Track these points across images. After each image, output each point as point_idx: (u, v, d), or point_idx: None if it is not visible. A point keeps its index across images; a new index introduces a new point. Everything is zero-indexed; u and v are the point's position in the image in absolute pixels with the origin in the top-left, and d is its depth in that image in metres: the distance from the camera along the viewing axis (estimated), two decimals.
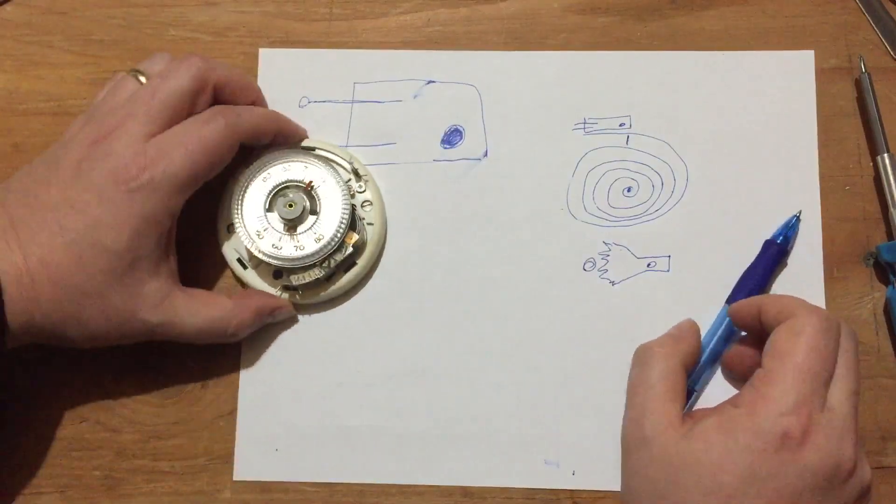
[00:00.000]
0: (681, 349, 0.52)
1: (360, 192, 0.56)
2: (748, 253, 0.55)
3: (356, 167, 0.56)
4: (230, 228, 0.56)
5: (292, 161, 0.55)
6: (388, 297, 0.56)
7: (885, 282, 0.55)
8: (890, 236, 0.55)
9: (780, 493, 0.44)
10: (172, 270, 0.52)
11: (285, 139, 0.56)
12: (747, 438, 0.45)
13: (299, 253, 0.53)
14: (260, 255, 0.53)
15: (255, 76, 0.59)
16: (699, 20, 0.59)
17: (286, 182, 0.54)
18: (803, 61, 0.58)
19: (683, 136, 0.57)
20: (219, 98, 0.53)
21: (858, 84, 0.57)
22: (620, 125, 0.58)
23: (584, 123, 0.58)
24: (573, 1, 0.60)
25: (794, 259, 0.55)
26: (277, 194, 0.54)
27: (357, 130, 0.58)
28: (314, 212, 0.54)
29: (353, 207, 0.55)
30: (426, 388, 0.55)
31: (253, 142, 0.54)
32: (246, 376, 0.55)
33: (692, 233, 0.56)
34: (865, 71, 0.57)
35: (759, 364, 0.48)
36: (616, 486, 0.53)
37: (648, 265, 0.56)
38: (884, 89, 0.57)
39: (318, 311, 0.56)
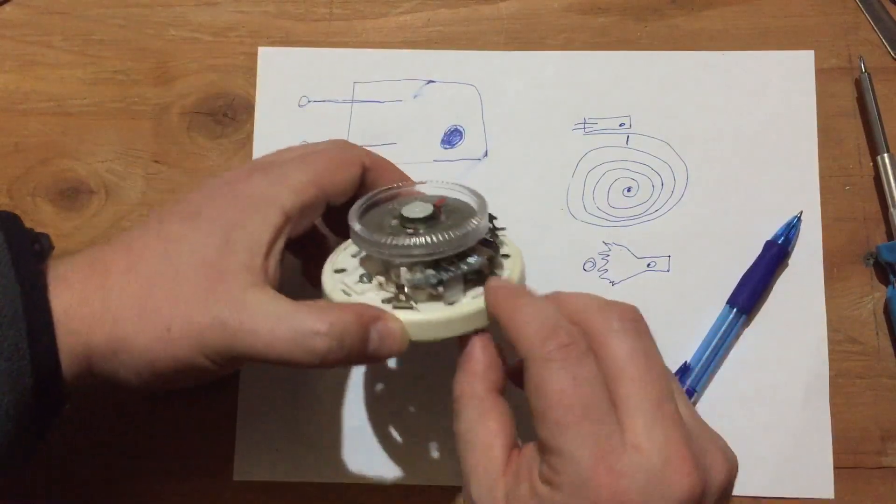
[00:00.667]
0: (473, 375, 0.44)
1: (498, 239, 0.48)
2: (748, 253, 0.55)
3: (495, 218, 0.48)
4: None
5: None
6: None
7: (885, 282, 0.55)
8: (890, 236, 0.55)
9: None
10: (268, 274, 0.44)
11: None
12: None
13: (417, 241, 0.43)
14: (365, 238, 0.44)
15: (255, 76, 0.59)
16: (699, 20, 0.59)
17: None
18: (803, 61, 0.58)
19: (683, 136, 0.57)
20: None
21: (858, 84, 0.57)
22: (620, 125, 0.58)
23: (584, 123, 0.58)
24: (573, 1, 0.60)
25: (794, 259, 0.56)
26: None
27: (357, 130, 0.58)
28: None
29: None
30: (425, 388, 0.55)
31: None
32: (246, 376, 0.55)
33: (692, 233, 0.56)
34: (865, 71, 0.57)
35: None
36: None
37: (648, 265, 0.56)
38: (884, 89, 0.57)
39: None
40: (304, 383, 0.55)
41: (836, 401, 0.54)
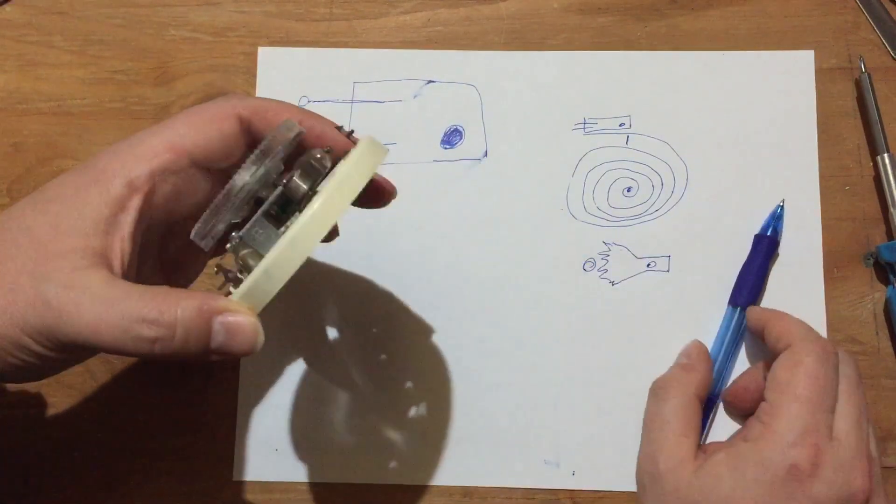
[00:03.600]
0: (693, 379, 0.52)
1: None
2: (747, 252, 0.55)
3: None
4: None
5: None
6: (388, 296, 0.56)
7: (885, 282, 0.55)
8: (890, 236, 0.55)
9: None
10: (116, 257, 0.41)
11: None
12: (756, 472, 0.45)
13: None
14: None
15: (255, 76, 0.59)
16: (699, 20, 0.59)
17: None
18: (803, 61, 0.58)
19: (683, 136, 0.57)
20: None
21: (858, 84, 0.57)
22: (620, 125, 0.58)
23: (584, 123, 0.58)
24: (573, 1, 0.60)
25: (794, 259, 0.55)
26: None
27: (357, 130, 0.58)
28: None
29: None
30: (426, 387, 0.55)
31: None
32: (246, 376, 0.55)
33: (692, 233, 0.56)
34: (865, 71, 0.57)
35: (761, 397, 0.49)
36: (615, 486, 0.53)
37: (648, 265, 0.56)
38: (884, 89, 0.57)
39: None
40: (305, 383, 0.55)
41: None
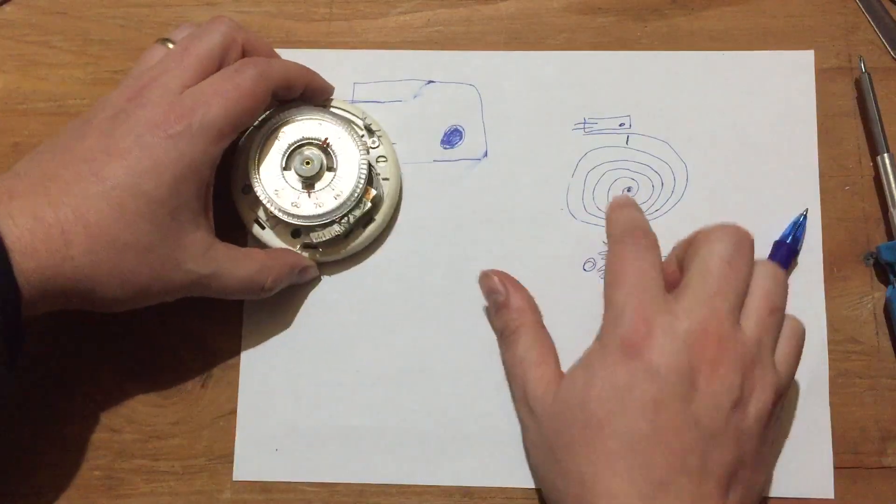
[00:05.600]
0: (522, 308, 0.53)
1: (374, 148, 0.56)
2: None
3: (369, 123, 0.56)
4: (246, 189, 0.55)
5: (307, 119, 0.55)
6: (388, 296, 0.56)
7: (885, 282, 0.55)
8: (890, 236, 0.55)
9: (638, 402, 0.44)
10: (211, 224, 0.51)
11: (314, 94, 0.56)
12: (599, 361, 0.46)
13: (319, 210, 0.53)
14: (279, 214, 0.54)
15: None
16: (699, 20, 0.59)
17: (301, 140, 0.54)
18: (803, 61, 0.58)
19: (683, 136, 0.57)
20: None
21: (858, 84, 0.57)
22: (620, 125, 0.58)
23: (584, 123, 0.58)
24: (573, 1, 0.60)
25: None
26: (294, 152, 0.54)
27: None
28: (331, 168, 0.54)
29: (369, 163, 0.55)
30: (426, 388, 0.55)
31: (284, 93, 0.54)
32: (246, 376, 0.55)
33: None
34: (865, 71, 0.57)
35: None
36: None
37: None
38: (884, 89, 0.57)
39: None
40: (305, 383, 0.55)
41: (835, 401, 0.54)
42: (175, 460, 0.55)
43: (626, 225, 0.49)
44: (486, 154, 0.58)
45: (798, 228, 0.55)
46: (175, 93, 0.49)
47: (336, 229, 0.54)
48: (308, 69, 0.55)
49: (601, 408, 0.45)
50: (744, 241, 0.48)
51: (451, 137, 0.58)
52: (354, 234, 0.56)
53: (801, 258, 0.55)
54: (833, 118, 0.57)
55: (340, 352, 0.56)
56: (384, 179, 0.56)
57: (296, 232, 0.56)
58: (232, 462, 0.55)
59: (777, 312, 0.48)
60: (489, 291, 0.54)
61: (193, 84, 0.50)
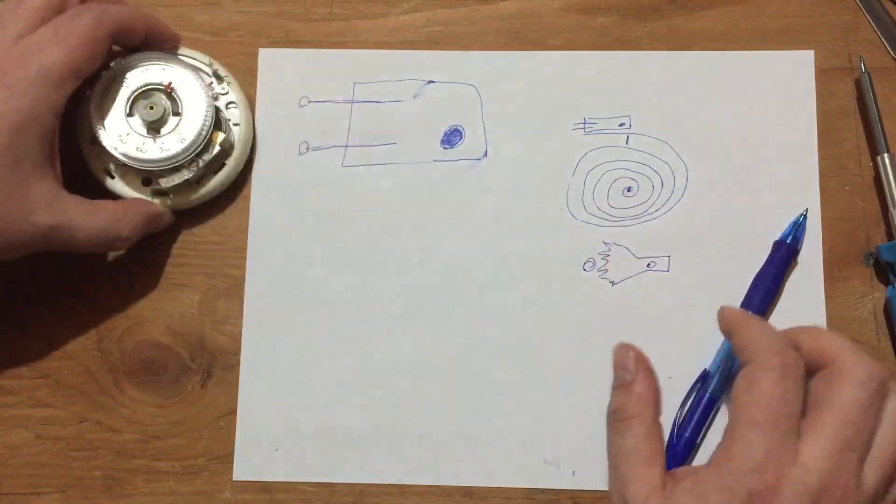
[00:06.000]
0: (644, 396, 0.49)
1: (224, 94, 0.57)
2: (748, 253, 0.55)
3: (217, 69, 0.57)
4: (94, 140, 0.55)
5: (150, 64, 0.55)
6: (388, 296, 0.56)
7: (885, 282, 0.55)
8: (890, 236, 0.55)
9: None
10: (58, 174, 0.51)
11: (157, 41, 0.56)
12: (716, 499, 0.43)
13: (164, 154, 0.54)
14: (123, 159, 0.54)
15: (256, 76, 0.59)
16: (699, 20, 0.59)
17: (145, 85, 0.55)
18: (803, 61, 0.58)
19: (683, 135, 0.57)
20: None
21: (858, 84, 0.57)
22: (620, 125, 0.58)
23: (584, 123, 0.58)
24: (573, 1, 0.60)
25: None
26: (138, 98, 0.55)
27: (357, 130, 0.58)
28: (176, 113, 0.55)
29: (217, 108, 0.56)
30: (426, 388, 0.55)
31: (124, 39, 0.54)
32: (246, 376, 0.55)
33: (692, 233, 0.56)
34: (865, 71, 0.57)
35: None
36: None
37: (648, 265, 0.56)
38: (884, 89, 0.57)
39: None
40: (305, 383, 0.55)
41: None
42: (175, 460, 0.55)
43: (771, 345, 0.45)
44: (486, 154, 0.58)
45: (798, 228, 0.55)
46: (9, 43, 0.49)
47: (185, 174, 0.55)
48: (149, 15, 0.56)
49: None
50: (884, 387, 0.45)
51: (451, 137, 0.58)
52: (206, 181, 0.56)
53: (801, 258, 0.55)
54: (833, 118, 0.57)
55: (340, 352, 0.56)
56: (235, 125, 0.57)
57: (146, 180, 0.56)
58: (232, 462, 0.55)
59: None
60: (618, 366, 0.49)
61: (29, 34, 0.50)
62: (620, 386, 0.49)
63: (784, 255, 0.54)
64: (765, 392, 0.44)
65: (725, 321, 0.49)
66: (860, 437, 0.44)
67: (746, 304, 0.54)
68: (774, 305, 0.55)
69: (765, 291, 0.54)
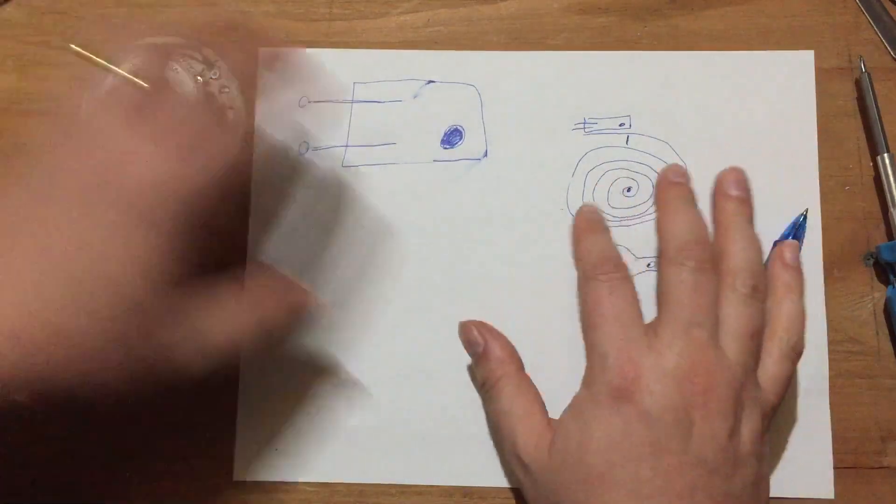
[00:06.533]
0: (501, 359, 0.51)
1: (215, 79, 0.56)
2: None
3: (206, 55, 0.55)
4: None
5: (139, 56, 0.53)
6: (388, 297, 0.56)
7: (885, 282, 0.55)
8: (890, 236, 0.55)
9: (637, 449, 0.43)
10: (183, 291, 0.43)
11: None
12: (591, 412, 0.45)
13: None
14: None
15: (255, 76, 0.59)
16: (699, 20, 0.59)
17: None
18: (803, 61, 0.58)
19: (683, 136, 0.57)
20: None
21: (858, 84, 0.57)
22: (620, 125, 0.58)
23: (584, 123, 0.58)
24: (573, 1, 0.60)
25: None
26: None
27: (357, 130, 0.58)
28: None
29: (209, 93, 0.54)
30: (426, 388, 0.55)
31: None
32: (246, 376, 0.55)
33: None
34: (865, 71, 0.57)
35: None
36: None
37: (648, 265, 0.56)
38: (884, 89, 0.57)
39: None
40: (305, 383, 0.55)
41: (836, 401, 0.54)
42: (175, 460, 0.55)
43: (595, 258, 0.49)
44: (486, 154, 0.58)
45: (798, 229, 0.55)
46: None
47: None
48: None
49: (600, 460, 0.44)
50: (701, 263, 0.48)
51: (451, 137, 0.58)
52: None
53: (801, 258, 0.55)
54: (833, 118, 0.57)
55: (340, 352, 0.56)
56: (228, 108, 0.56)
57: None
58: (232, 462, 0.55)
59: (757, 336, 0.48)
60: (467, 343, 0.53)
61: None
62: (476, 358, 0.52)
63: None
64: (593, 298, 0.48)
65: (574, 228, 0.53)
66: (698, 313, 0.46)
67: None
68: None
69: None
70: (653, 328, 0.46)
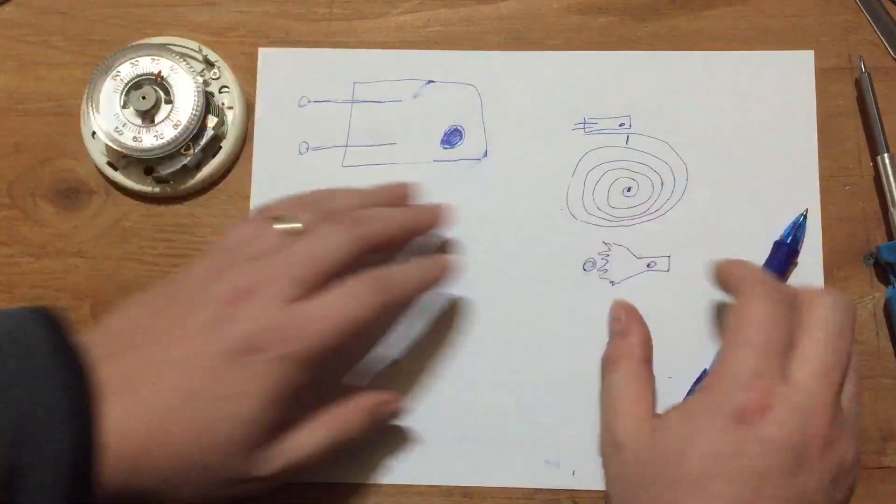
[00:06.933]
0: (633, 343, 0.51)
1: (216, 79, 0.58)
2: (748, 253, 0.55)
3: (206, 54, 0.58)
4: (94, 134, 0.57)
5: (140, 56, 0.56)
6: None
7: (885, 282, 0.55)
8: (890, 236, 0.55)
9: (743, 471, 0.43)
10: (286, 420, 0.47)
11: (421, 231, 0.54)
12: (705, 420, 0.44)
13: (160, 142, 0.55)
14: (119, 148, 0.55)
15: (255, 76, 0.59)
16: (699, 20, 0.59)
17: (136, 77, 0.56)
18: (803, 61, 0.58)
19: (683, 136, 0.57)
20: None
21: (858, 84, 0.57)
22: (620, 125, 0.58)
23: (584, 123, 0.58)
24: (573, 1, 0.60)
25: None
26: (131, 90, 0.56)
27: (357, 130, 0.58)
28: (169, 101, 0.56)
29: (209, 93, 0.57)
30: (426, 388, 0.55)
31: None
32: None
33: (692, 233, 0.56)
34: (865, 71, 0.57)
35: None
36: None
37: (648, 265, 0.56)
38: (884, 89, 0.57)
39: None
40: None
41: None
42: None
43: (757, 276, 0.48)
44: (486, 154, 0.58)
45: (798, 229, 0.55)
46: (280, 309, 0.45)
47: (182, 160, 0.56)
48: (426, 279, 0.51)
49: (699, 467, 0.43)
50: (851, 310, 0.47)
51: (451, 137, 0.58)
52: (204, 165, 0.58)
53: (801, 258, 0.55)
54: (833, 118, 0.57)
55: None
56: (228, 108, 0.58)
57: (148, 169, 0.57)
58: None
59: (859, 384, 0.48)
60: (612, 320, 0.53)
61: (303, 297, 0.46)
62: (612, 335, 0.53)
63: (784, 256, 0.54)
64: (754, 314, 0.46)
65: (719, 269, 0.51)
66: (840, 358, 0.45)
67: None
68: None
69: None
70: (792, 358, 0.46)
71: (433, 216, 0.53)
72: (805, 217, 0.55)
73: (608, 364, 0.52)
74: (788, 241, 0.55)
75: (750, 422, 0.43)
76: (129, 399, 0.42)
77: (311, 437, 0.47)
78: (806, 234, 0.55)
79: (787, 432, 0.43)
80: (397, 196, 0.54)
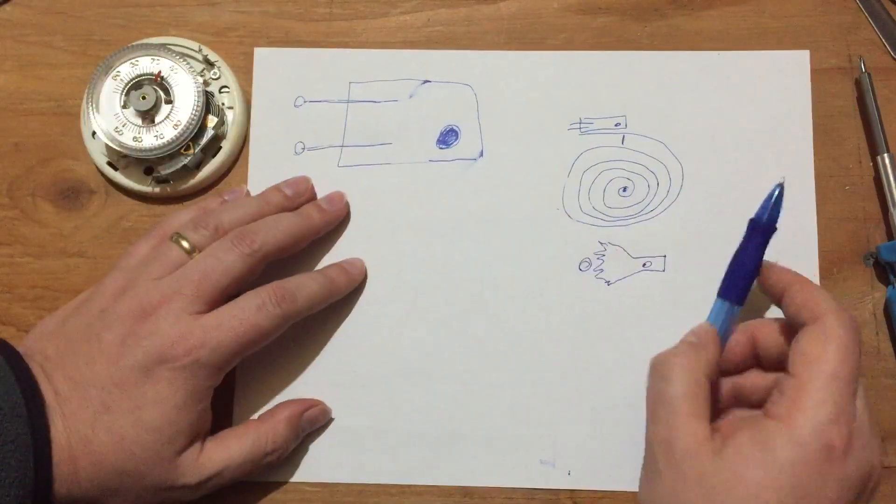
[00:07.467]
0: (702, 359, 0.48)
1: (216, 79, 0.59)
2: None
3: (206, 54, 0.58)
4: (95, 135, 0.58)
5: (140, 56, 0.57)
6: (385, 297, 0.56)
7: (885, 282, 0.55)
8: (890, 236, 0.55)
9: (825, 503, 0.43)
10: (206, 429, 0.52)
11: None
12: (789, 452, 0.43)
13: (160, 141, 0.56)
14: (119, 148, 0.56)
15: (252, 76, 0.59)
16: (699, 20, 0.59)
17: (136, 77, 0.57)
18: (799, 61, 0.58)
19: (679, 135, 0.57)
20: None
21: (858, 84, 0.57)
22: (616, 125, 0.57)
23: (580, 123, 0.58)
24: (573, 1, 0.60)
25: (788, 259, 0.55)
26: (131, 90, 0.56)
27: (353, 130, 0.58)
28: (169, 101, 0.56)
29: (209, 93, 0.57)
30: (424, 388, 0.55)
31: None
32: (244, 377, 0.56)
33: (688, 233, 0.56)
34: (865, 71, 0.56)
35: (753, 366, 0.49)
36: (613, 486, 0.53)
37: (644, 265, 0.56)
38: (884, 89, 0.57)
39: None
40: (303, 383, 0.55)
41: None
42: None
43: (838, 304, 0.47)
44: (481, 154, 0.58)
45: (775, 203, 0.50)
46: (187, 321, 0.49)
47: (182, 160, 0.57)
48: (330, 288, 0.55)
49: (777, 497, 0.43)
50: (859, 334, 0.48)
51: (447, 137, 0.58)
52: (204, 165, 0.58)
53: (797, 258, 0.55)
54: (833, 118, 0.57)
55: (339, 352, 0.56)
56: (228, 108, 0.59)
57: (148, 169, 0.58)
58: None
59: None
60: (691, 331, 0.51)
61: (207, 311, 0.50)
62: (681, 342, 0.50)
63: (761, 234, 0.50)
64: (843, 346, 0.45)
65: (777, 278, 0.50)
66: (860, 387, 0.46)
67: (726, 287, 0.50)
68: (762, 305, 0.55)
69: (744, 275, 0.50)
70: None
71: (325, 217, 0.56)
72: (781, 188, 0.50)
73: (664, 367, 0.48)
74: (764, 218, 0.50)
75: (834, 459, 0.43)
76: (62, 413, 0.48)
77: (236, 445, 0.51)
78: (802, 234, 0.55)
79: (861, 467, 0.44)
80: (297, 193, 0.56)
